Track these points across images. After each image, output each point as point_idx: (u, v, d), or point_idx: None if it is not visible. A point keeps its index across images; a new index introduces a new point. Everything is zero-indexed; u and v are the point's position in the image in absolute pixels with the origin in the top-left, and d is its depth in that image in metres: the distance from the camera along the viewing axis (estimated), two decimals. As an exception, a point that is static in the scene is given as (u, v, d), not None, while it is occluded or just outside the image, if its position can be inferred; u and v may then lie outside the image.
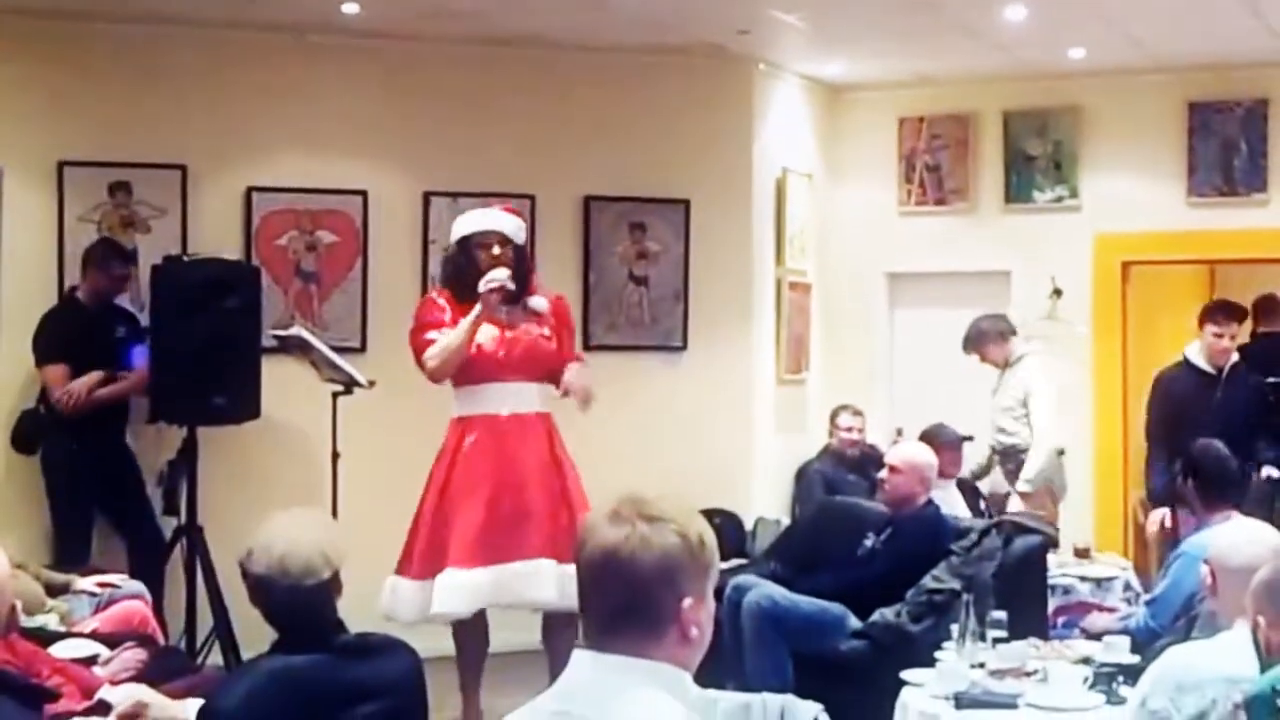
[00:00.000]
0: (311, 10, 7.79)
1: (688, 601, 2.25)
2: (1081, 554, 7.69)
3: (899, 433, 8.71)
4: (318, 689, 3.41)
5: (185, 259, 7.49)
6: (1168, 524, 7.50)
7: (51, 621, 5.58)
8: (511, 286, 6.01)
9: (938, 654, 5.33)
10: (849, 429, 9.12)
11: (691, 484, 7.57)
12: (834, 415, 9.23)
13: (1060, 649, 5.48)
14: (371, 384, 7.32)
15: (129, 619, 5.90)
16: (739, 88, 8.96)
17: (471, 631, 6.17)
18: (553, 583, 5.81)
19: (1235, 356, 7.90)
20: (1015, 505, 8.07)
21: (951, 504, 7.40)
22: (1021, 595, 6.20)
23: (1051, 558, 6.92)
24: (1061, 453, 8.45)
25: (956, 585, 6.09)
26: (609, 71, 8.65)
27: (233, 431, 7.43)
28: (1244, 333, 8.33)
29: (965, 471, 8.26)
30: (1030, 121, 9.49)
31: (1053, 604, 6.95)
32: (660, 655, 2.24)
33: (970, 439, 8.19)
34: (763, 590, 6.33)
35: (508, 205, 6.54)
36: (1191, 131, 9.16)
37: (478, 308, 5.97)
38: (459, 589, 5.92)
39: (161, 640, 6.03)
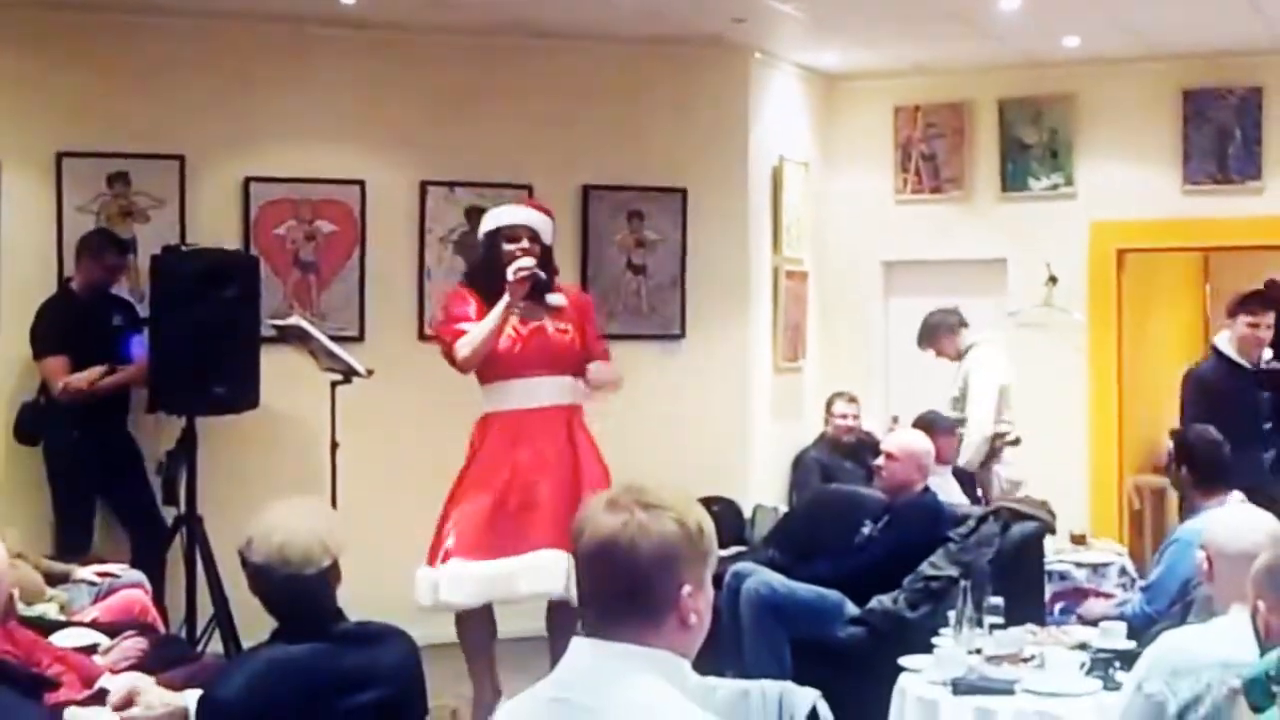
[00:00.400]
0: (309, 1, 7.80)
1: (686, 589, 2.26)
2: (1078, 540, 7.71)
3: (895, 420, 8.73)
4: (317, 677, 3.42)
5: (184, 249, 7.47)
6: None
7: (51, 611, 5.59)
8: (541, 275, 5.98)
9: (935, 640, 5.36)
10: (844, 416, 9.13)
11: (689, 471, 7.59)
12: (829, 403, 9.24)
13: (1057, 635, 5.50)
14: (370, 373, 7.33)
15: (129, 608, 5.90)
16: (735, 77, 8.96)
17: (476, 620, 6.16)
18: (559, 572, 5.78)
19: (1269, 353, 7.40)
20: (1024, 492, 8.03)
21: (947, 491, 7.39)
22: (1018, 581, 6.20)
23: (1048, 544, 6.93)
24: (1015, 442, 8.21)
25: (954, 572, 6.11)
26: (606, 61, 8.65)
27: (232, 421, 7.44)
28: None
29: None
30: (1025, 110, 9.49)
31: (1049, 590, 6.97)
32: (659, 643, 2.25)
33: (964, 423, 8.17)
34: (761, 577, 6.35)
35: (538, 203, 6.51)
36: (1186, 119, 9.15)
37: (506, 297, 5.91)
38: (465, 580, 5.91)
39: (162, 629, 6.04)
